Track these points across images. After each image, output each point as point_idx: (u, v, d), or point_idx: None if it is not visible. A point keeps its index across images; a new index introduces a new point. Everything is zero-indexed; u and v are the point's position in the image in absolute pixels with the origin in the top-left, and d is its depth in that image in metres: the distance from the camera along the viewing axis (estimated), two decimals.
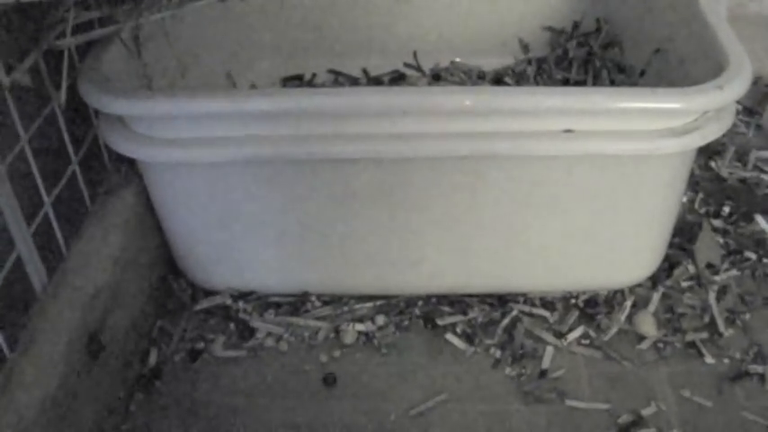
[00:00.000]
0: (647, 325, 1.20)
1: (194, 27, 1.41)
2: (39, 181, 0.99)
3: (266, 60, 1.66)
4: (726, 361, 1.17)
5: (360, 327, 1.22)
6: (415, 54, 1.67)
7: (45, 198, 1.01)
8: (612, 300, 1.25)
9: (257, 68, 1.65)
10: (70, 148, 1.08)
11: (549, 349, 1.18)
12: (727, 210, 1.40)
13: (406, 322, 1.23)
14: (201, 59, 1.45)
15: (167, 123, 1.06)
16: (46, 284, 1.00)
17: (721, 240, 1.34)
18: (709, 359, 1.17)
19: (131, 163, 1.18)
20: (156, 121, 1.06)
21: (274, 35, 1.64)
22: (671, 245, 1.29)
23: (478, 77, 1.66)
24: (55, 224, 1.03)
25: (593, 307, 1.24)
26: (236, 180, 1.11)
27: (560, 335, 1.20)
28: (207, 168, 1.10)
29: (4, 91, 0.92)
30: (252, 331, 1.22)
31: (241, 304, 1.25)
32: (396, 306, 1.25)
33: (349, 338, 1.21)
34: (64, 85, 1.00)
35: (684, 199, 1.41)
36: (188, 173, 1.12)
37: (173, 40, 1.27)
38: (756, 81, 1.53)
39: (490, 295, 1.26)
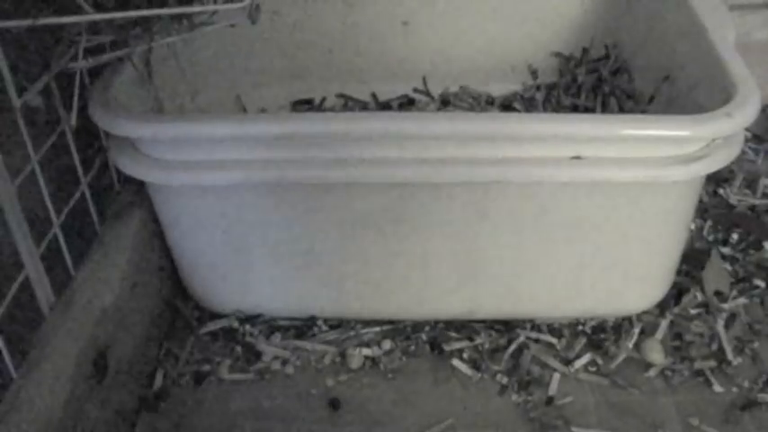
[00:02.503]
0: (655, 352, 1.20)
1: (205, 51, 1.41)
2: (48, 202, 1.00)
3: (276, 84, 1.66)
4: (734, 389, 1.16)
5: (366, 351, 1.22)
6: (424, 79, 1.67)
7: (54, 219, 1.01)
8: (620, 327, 1.24)
9: (267, 92, 1.66)
10: (80, 170, 1.09)
11: (556, 376, 1.18)
12: (735, 237, 1.40)
13: (413, 347, 1.23)
14: (211, 83, 1.45)
15: (177, 146, 1.07)
16: (53, 305, 1.00)
17: (730, 268, 1.34)
18: (717, 387, 1.16)
19: (140, 185, 1.18)
20: (165, 143, 1.07)
21: (284, 59, 1.65)
22: (679, 272, 1.28)
23: (487, 103, 1.66)
24: (63, 245, 1.03)
25: (600, 334, 1.24)
26: (244, 203, 1.12)
27: (567, 362, 1.20)
28: (215, 191, 1.11)
29: (16, 112, 0.92)
30: (258, 354, 1.22)
31: (248, 327, 1.25)
32: (402, 331, 1.25)
33: (355, 363, 1.20)
34: (75, 107, 1.00)
35: (693, 226, 1.41)
36: (196, 196, 1.12)
37: (183, 63, 1.27)
38: (765, 108, 1.53)
39: (497, 321, 1.25)
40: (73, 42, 0.98)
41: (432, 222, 1.12)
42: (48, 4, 0.93)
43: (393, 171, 1.05)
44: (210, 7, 0.97)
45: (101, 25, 0.97)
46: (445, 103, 1.66)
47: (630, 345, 1.22)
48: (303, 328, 1.26)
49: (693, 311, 1.27)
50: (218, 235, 1.16)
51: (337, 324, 1.26)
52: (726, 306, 1.27)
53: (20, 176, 0.93)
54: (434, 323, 1.26)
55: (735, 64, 1.12)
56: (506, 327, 1.25)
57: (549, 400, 1.15)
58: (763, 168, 1.58)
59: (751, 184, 1.53)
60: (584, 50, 1.65)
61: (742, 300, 1.29)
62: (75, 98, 1.01)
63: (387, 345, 1.23)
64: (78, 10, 0.91)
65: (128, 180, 1.18)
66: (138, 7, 0.93)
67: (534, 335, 1.23)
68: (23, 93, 0.93)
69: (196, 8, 0.95)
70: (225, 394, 1.17)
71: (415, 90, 1.68)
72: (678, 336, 1.24)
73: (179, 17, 1.01)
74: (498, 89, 1.68)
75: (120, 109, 1.06)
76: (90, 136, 1.12)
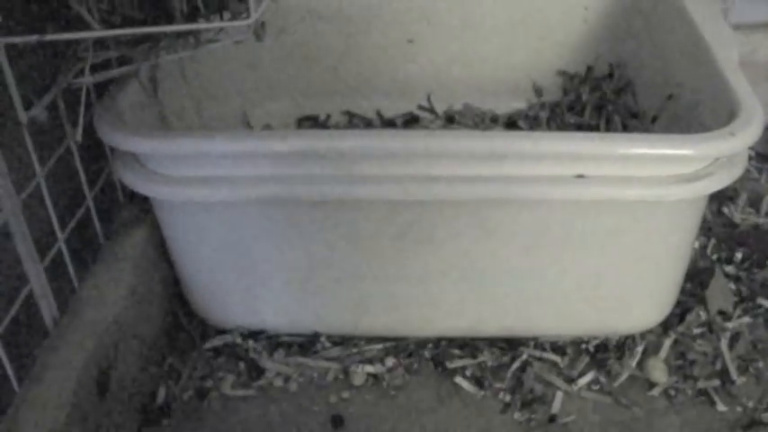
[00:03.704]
0: (659, 371, 1.20)
1: (211, 67, 1.42)
2: (53, 216, 1.00)
3: (281, 101, 1.67)
4: (738, 409, 1.16)
5: (369, 368, 1.22)
6: (428, 97, 1.68)
7: (58, 233, 1.01)
8: (623, 345, 1.24)
9: (272, 108, 1.66)
10: (85, 185, 1.09)
11: (559, 394, 1.17)
12: (739, 256, 1.40)
13: (416, 365, 1.23)
14: (217, 99, 1.46)
15: (181, 162, 1.07)
16: (57, 319, 1.00)
17: (734, 287, 1.34)
18: (720, 407, 1.16)
19: (145, 200, 1.18)
20: (170, 159, 1.07)
21: (290, 76, 1.66)
22: (683, 291, 1.28)
23: (491, 121, 1.67)
24: (68, 259, 1.04)
25: (603, 352, 1.23)
26: (248, 220, 1.12)
27: (570, 380, 1.20)
28: (220, 207, 1.11)
29: (23, 127, 0.93)
30: (261, 371, 1.22)
31: (251, 343, 1.25)
32: (405, 348, 1.25)
33: (358, 380, 1.20)
34: (81, 122, 1.01)
35: (696, 245, 1.41)
36: (201, 211, 1.12)
37: (189, 79, 1.28)
38: None
39: (500, 339, 1.25)
40: (80, 58, 0.98)
41: (435, 239, 1.12)
42: (55, 20, 0.94)
43: (397, 188, 1.05)
44: (216, 24, 0.98)
45: (108, 41, 0.98)
46: (450, 120, 1.67)
47: (634, 363, 1.21)
48: (306, 344, 1.25)
49: (697, 330, 1.27)
50: (222, 251, 1.16)
51: (340, 341, 1.26)
52: (729, 325, 1.27)
53: (25, 190, 0.93)
54: (438, 340, 1.26)
55: (738, 83, 1.12)
56: (510, 344, 1.25)
57: (552, 419, 1.15)
58: (767, 187, 1.58)
59: (755, 202, 1.53)
60: (589, 69, 1.65)
61: (746, 319, 1.29)
62: (81, 113, 1.01)
63: (390, 362, 1.22)
64: (85, 26, 0.92)
65: (132, 195, 1.19)
66: (144, 24, 0.94)
67: (537, 353, 1.23)
68: (30, 108, 0.94)
69: (202, 25, 0.96)
70: (227, 410, 1.17)
71: (420, 107, 1.69)
72: (682, 355, 1.23)
73: (185, 34, 1.02)
74: (502, 107, 1.69)
75: (125, 124, 1.07)
76: (95, 151, 1.12)
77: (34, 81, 0.96)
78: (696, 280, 1.33)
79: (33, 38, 0.90)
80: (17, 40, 0.90)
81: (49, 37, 0.90)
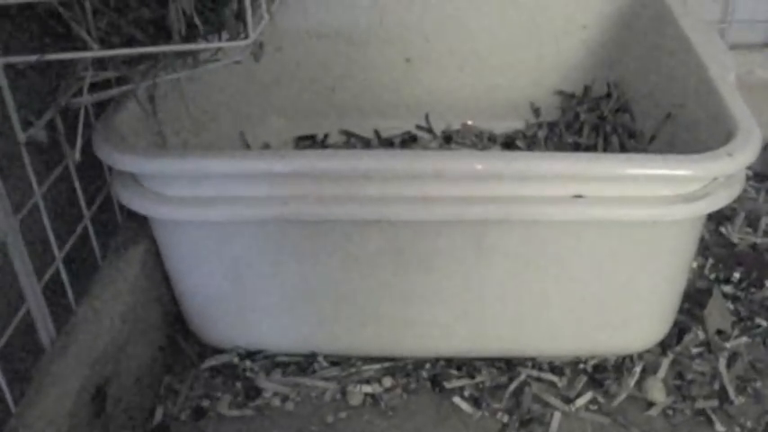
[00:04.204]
0: (657, 391, 1.19)
1: (209, 87, 1.42)
2: (50, 235, 1.00)
3: (279, 120, 1.68)
4: (736, 429, 1.16)
5: (367, 388, 1.21)
6: (426, 116, 1.68)
7: (56, 252, 1.01)
8: (621, 365, 1.24)
9: (270, 128, 1.67)
10: (83, 204, 1.09)
11: (557, 415, 1.17)
12: (737, 276, 1.40)
13: (414, 385, 1.22)
14: (215, 118, 1.46)
15: (179, 182, 1.07)
16: (54, 339, 1.00)
17: (732, 307, 1.34)
18: (719, 427, 1.16)
19: (143, 220, 1.18)
20: (168, 179, 1.07)
21: (287, 95, 1.66)
22: (681, 311, 1.28)
23: (489, 140, 1.67)
24: (65, 279, 1.03)
25: (601, 372, 1.23)
26: (246, 239, 1.12)
27: (568, 400, 1.19)
28: (218, 227, 1.11)
29: (21, 147, 0.93)
30: (258, 391, 1.21)
31: (248, 363, 1.24)
32: (403, 368, 1.25)
33: (355, 400, 1.20)
34: (79, 141, 1.01)
35: (694, 264, 1.41)
36: (199, 231, 1.12)
37: (188, 99, 1.28)
38: (766, 147, 1.54)
39: (498, 359, 1.25)
40: (78, 78, 0.99)
41: (433, 260, 1.12)
42: (54, 39, 0.94)
43: (394, 209, 1.05)
44: (215, 45, 0.98)
45: (106, 61, 0.98)
46: (447, 140, 1.67)
47: (632, 383, 1.21)
48: (304, 364, 1.25)
49: (695, 350, 1.27)
50: (219, 270, 1.16)
51: (338, 361, 1.26)
52: (728, 345, 1.27)
53: (23, 210, 0.93)
54: (435, 360, 1.25)
55: (736, 103, 1.12)
56: (507, 364, 1.24)
57: None
58: (765, 206, 1.58)
59: (753, 222, 1.53)
60: (586, 89, 1.66)
61: (744, 339, 1.29)
62: (80, 133, 1.01)
63: (387, 382, 1.22)
64: (84, 46, 0.92)
65: (130, 215, 1.19)
66: (142, 44, 0.94)
67: (535, 373, 1.23)
68: (29, 127, 0.94)
69: (201, 45, 0.96)
70: (225, 430, 1.16)
71: (418, 127, 1.69)
72: (680, 375, 1.23)
73: (184, 54, 1.02)
74: (500, 126, 1.69)
75: (123, 144, 1.07)
76: (93, 170, 1.12)
77: (33, 101, 0.96)
78: (694, 300, 1.33)
79: (32, 58, 0.90)
80: (16, 59, 0.90)
81: (48, 57, 0.90)
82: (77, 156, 1.02)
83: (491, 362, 1.25)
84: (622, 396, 1.20)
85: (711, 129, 1.14)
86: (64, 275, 1.03)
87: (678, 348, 1.26)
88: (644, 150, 1.45)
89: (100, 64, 0.99)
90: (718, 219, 1.52)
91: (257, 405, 1.20)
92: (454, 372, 1.24)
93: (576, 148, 1.61)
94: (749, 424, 1.16)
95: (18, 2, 0.88)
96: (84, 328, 1.03)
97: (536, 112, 1.69)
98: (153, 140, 1.20)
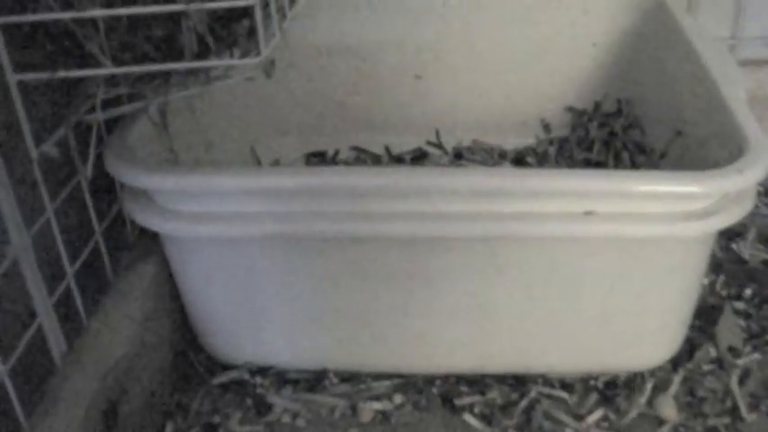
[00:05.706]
0: (668, 408, 1.19)
1: (220, 103, 1.43)
2: (62, 251, 1.00)
3: (290, 136, 1.68)
4: None
5: (377, 405, 1.21)
6: (437, 132, 1.68)
7: (68, 268, 1.02)
8: (632, 382, 1.23)
9: (281, 144, 1.67)
10: (94, 220, 1.10)
11: None
12: (749, 292, 1.39)
13: (424, 401, 1.22)
14: (226, 134, 1.47)
15: (191, 198, 1.08)
16: (65, 354, 1.00)
17: (743, 323, 1.33)
18: None
19: (155, 236, 1.19)
20: (179, 195, 1.08)
21: (298, 112, 1.67)
22: (692, 327, 1.27)
23: (500, 157, 1.67)
24: (77, 295, 1.04)
25: (612, 389, 1.23)
26: (257, 256, 1.12)
27: (579, 417, 1.19)
28: (228, 243, 1.11)
29: (33, 163, 0.93)
30: (269, 407, 1.21)
31: (259, 379, 1.24)
32: (414, 385, 1.24)
33: (366, 416, 1.20)
34: (91, 158, 1.01)
35: (705, 281, 1.41)
36: (210, 247, 1.13)
37: (199, 115, 1.29)
38: None
39: (509, 375, 1.25)
40: (90, 95, 0.99)
41: (444, 277, 1.12)
42: (67, 56, 0.95)
43: (405, 226, 1.06)
44: (226, 62, 0.98)
45: (118, 78, 0.99)
46: (458, 156, 1.67)
47: (643, 400, 1.21)
48: (314, 380, 1.25)
49: (707, 367, 1.26)
50: (230, 287, 1.16)
51: (348, 377, 1.26)
52: (739, 362, 1.27)
53: (35, 226, 0.94)
54: (446, 377, 1.25)
55: (746, 120, 1.12)
56: (518, 381, 1.24)
57: None
58: None
59: (764, 238, 1.52)
60: (597, 105, 1.66)
61: (756, 355, 1.28)
62: (92, 149, 1.02)
63: (398, 399, 1.22)
64: (96, 63, 0.93)
65: (142, 231, 1.19)
66: (154, 61, 0.95)
67: (546, 390, 1.22)
68: (41, 144, 0.94)
69: (212, 62, 0.97)
70: None
71: (429, 143, 1.69)
72: (691, 392, 1.23)
73: (195, 71, 1.02)
74: (511, 143, 1.69)
75: (135, 160, 1.07)
76: (105, 186, 1.13)
77: (45, 117, 0.96)
78: (705, 316, 1.32)
79: (45, 75, 0.91)
80: (29, 77, 0.91)
81: (61, 74, 0.91)
82: (89, 172, 1.03)
83: (502, 378, 1.24)
84: (633, 413, 1.19)
85: (722, 145, 1.14)
86: (75, 291, 1.04)
87: (689, 365, 1.26)
88: (655, 167, 1.45)
89: (112, 81, 1.00)
90: (729, 235, 1.52)
91: (268, 421, 1.20)
92: (465, 388, 1.24)
93: (587, 164, 1.61)
94: None
95: (31, 20, 0.89)
96: (95, 344, 1.04)
97: (546, 128, 1.69)
98: (164, 157, 1.20)
